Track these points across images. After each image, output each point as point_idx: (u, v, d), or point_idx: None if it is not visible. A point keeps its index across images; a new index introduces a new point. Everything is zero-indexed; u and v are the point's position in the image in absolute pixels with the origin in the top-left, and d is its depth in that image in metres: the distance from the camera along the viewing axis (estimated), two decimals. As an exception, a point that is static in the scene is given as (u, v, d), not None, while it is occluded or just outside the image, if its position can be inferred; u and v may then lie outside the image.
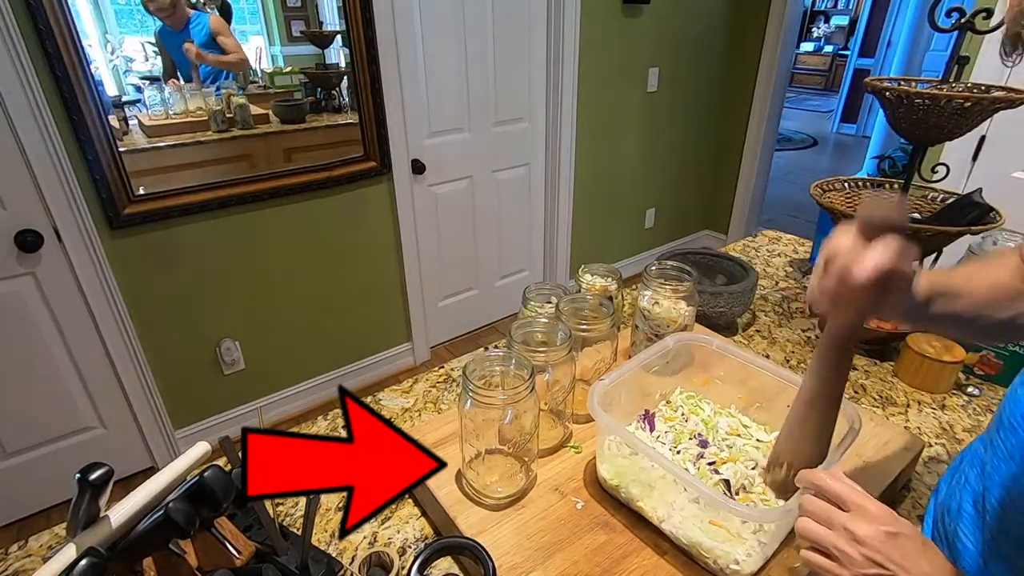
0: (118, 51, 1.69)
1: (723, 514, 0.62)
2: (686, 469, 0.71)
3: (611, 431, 0.69)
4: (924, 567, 0.45)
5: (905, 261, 0.49)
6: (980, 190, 1.10)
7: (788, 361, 1.12)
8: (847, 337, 0.56)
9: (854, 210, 1.15)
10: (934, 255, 1.14)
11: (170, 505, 0.49)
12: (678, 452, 0.74)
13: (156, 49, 1.75)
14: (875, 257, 0.47)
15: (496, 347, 1.20)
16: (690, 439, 0.76)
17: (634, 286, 1.44)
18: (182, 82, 1.81)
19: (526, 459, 0.74)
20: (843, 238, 0.51)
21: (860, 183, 1.30)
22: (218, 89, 1.88)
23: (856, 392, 1.01)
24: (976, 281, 0.58)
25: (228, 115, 1.89)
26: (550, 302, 0.93)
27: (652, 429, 0.78)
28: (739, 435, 0.77)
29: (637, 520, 0.69)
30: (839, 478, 0.51)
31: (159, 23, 1.74)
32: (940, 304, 0.57)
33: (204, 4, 1.82)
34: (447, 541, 0.61)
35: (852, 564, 0.46)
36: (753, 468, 0.70)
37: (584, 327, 0.83)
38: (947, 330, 0.87)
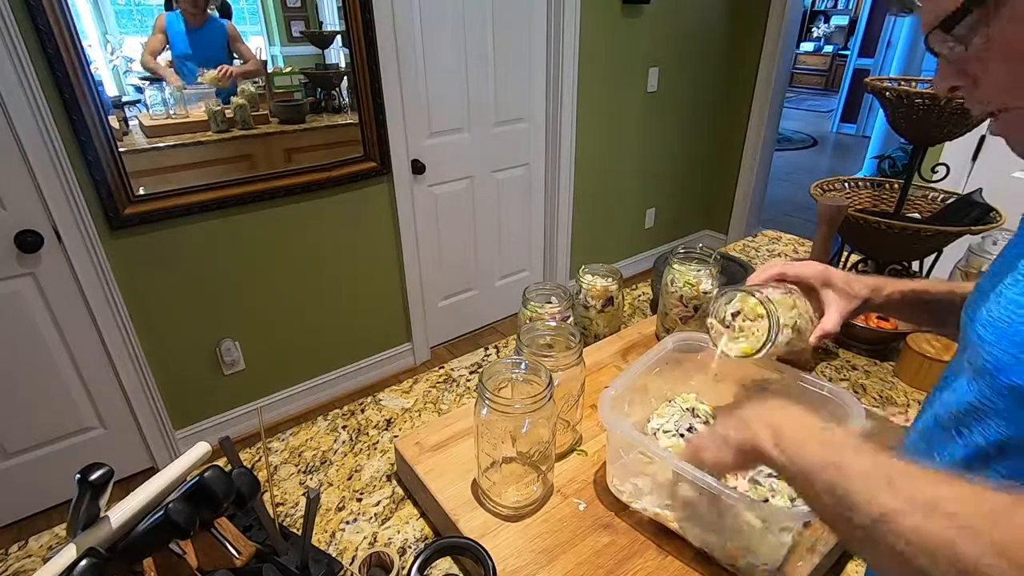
0: (118, 51, 1.69)
1: (747, 515, 0.61)
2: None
3: (624, 441, 0.67)
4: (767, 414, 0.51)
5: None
6: (980, 190, 1.10)
7: (788, 361, 1.11)
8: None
9: (853, 210, 1.14)
10: (934, 255, 1.14)
11: (170, 505, 0.49)
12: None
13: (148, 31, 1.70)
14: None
15: (494, 347, 1.20)
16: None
17: (635, 286, 1.44)
18: (168, 60, 1.79)
19: (543, 468, 0.72)
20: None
21: (860, 183, 1.30)
22: (228, 98, 1.89)
23: (856, 392, 1.01)
24: None
25: (228, 115, 1.89)
26: (550, 302, 0.93)
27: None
28: None
29: (640, 521, 0.69)
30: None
31: (176, 11, 1.73)
32: None
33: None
34: (447, 541, 0.60)
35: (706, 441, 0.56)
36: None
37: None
38: None
